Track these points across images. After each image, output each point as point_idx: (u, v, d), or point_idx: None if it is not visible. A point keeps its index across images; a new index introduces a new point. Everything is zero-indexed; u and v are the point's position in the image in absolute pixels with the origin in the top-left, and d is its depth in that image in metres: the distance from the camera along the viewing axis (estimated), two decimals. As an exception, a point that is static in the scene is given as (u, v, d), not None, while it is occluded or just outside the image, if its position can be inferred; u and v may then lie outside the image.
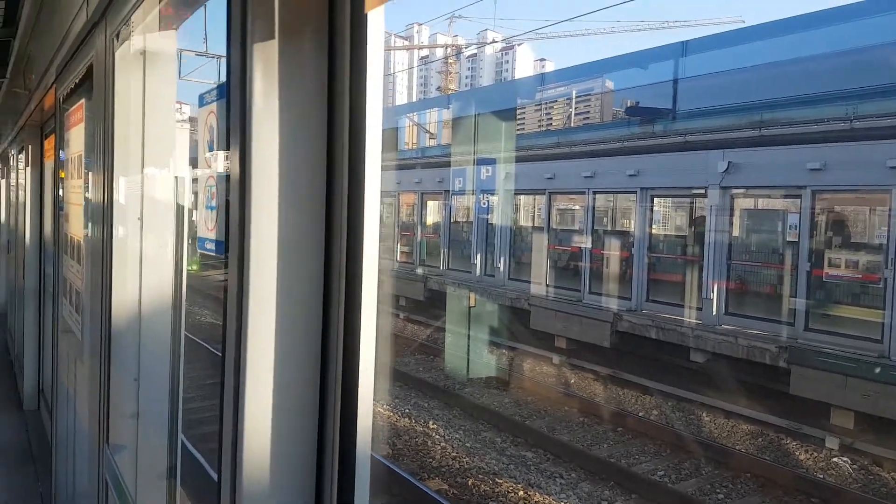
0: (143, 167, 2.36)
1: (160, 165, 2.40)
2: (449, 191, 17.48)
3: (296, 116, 1.13)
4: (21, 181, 7.00)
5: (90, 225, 2.44)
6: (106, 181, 2.29)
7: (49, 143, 5.73)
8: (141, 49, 2.30)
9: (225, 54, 1.18)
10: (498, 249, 15.25)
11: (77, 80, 3.20)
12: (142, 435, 2.39)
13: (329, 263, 1.17)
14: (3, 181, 10.38)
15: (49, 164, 5.90)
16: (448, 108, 20.03)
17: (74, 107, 3.11)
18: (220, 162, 1.28)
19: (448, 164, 17.70)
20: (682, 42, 14.02)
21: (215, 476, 1.24)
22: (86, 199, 2.58)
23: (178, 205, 2.47)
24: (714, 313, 11.52)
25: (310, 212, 1.17)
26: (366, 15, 1.06)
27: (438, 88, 58.84)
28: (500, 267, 15.03)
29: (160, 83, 2.35)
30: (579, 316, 12.88)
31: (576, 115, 20.97)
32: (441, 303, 16.73)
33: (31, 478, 4.66)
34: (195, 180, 2.44)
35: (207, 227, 1.31)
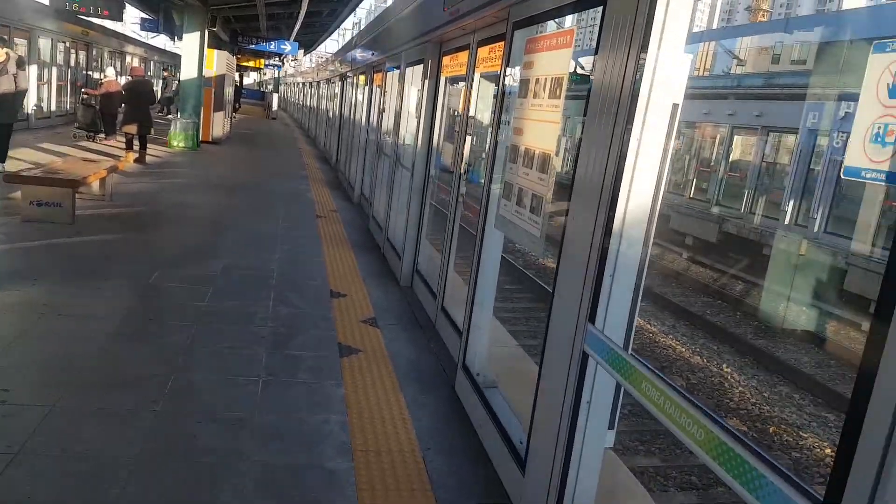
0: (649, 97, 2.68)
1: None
2: (765, 126, 16.04)
3: None
4: (409, 92, 8.12)
5: (590, 146, 2.85)
6: (621, 119, 2.64)
7: (448, 60, 6.58)
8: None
9: None
10: (819, 198, 13.74)
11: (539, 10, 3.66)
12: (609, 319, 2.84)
13: None
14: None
15: (442, 77, 6.79)
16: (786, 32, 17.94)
17: (547, 33, 3.58)
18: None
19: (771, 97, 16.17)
20: None
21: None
22: (584, 127, 2.96)
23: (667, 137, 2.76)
24: None
25: None
26: None
27: (748, 8, 53.05)
28: (815, 217, 13.58)
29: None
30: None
31: None
32: (736, 248, 15.83)
33: (423, 338, 5.74)
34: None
35: (871, 159, 1.49)
